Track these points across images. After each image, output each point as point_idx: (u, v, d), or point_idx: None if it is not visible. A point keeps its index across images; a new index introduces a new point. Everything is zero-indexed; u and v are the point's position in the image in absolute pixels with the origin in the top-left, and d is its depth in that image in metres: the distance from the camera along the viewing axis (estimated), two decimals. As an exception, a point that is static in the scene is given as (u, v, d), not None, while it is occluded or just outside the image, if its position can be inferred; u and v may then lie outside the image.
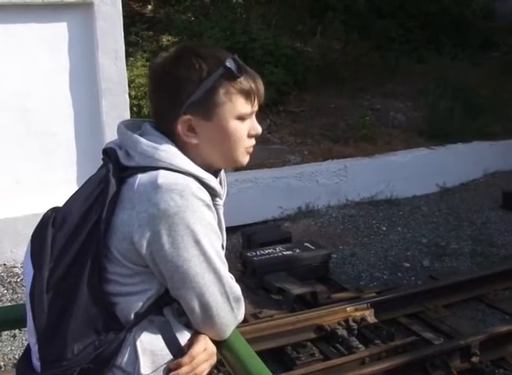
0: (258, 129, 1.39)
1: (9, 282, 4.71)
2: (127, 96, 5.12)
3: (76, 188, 1.39)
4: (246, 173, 6.21)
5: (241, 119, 1.35)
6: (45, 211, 1.37)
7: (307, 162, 6.88)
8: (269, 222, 6.17)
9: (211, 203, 1.29)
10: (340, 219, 6.29)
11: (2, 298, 4.54)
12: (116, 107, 4.97)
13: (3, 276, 4.78)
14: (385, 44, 9.46)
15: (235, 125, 1.34)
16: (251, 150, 1.41)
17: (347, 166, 6.66)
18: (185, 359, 1.28)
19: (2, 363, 3.88)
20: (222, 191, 1.42)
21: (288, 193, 6.32)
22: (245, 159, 1.41)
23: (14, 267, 4.87)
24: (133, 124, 1.41)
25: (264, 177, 6.25)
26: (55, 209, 1.38)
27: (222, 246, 1.39)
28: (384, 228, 6.15)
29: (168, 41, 7.97)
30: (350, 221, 6.25)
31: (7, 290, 4.64)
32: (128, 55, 5.91)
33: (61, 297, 1.26)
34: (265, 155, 6.86)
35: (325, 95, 8.42)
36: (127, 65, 5.49)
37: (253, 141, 1.40)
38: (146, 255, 1.25)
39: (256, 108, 1.38)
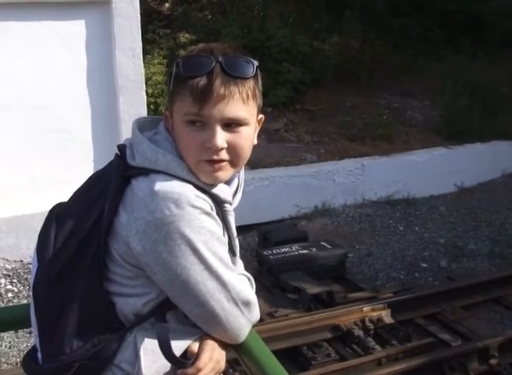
0: (213, 141, 1.21)
1: (26, 278, 4.73)
2: (144, 93, 5.12)
3: None
4: (262, 171, 6.20)
5: (191, 123, 1.23)
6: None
7: (324, 160, 6.88)
8: (285, 220, 6.16)
9: (212, 210, 1.25)
10: (357, 218, 6.27)
11: (19, 294, 4.57)
12: (133, 104, 4.98)
13: (20, 273, 4.80)
14: (403, 43, 9.39)
15: (184, 129, 1.24)
16: (216, 167, 1.25)
17: (364, 164, 6.64)
18: (190, 371, 1.24)
19: (18, 360, 3.90)
20: (235, 195, 1.37)
21: (304, 192, 6.30)
22: (204, 175, 1.25)
23: (30, 264, 4.88)
24: (151, 122, 1.38)
25: (280, 176, 6.23)
26: (59, 205, 1.38)
27: (234, 253, 1.36)
28: (401, 228, 6.12)
29: (186, 38, 7.97)
30: (367, 220, 6.23)
31: (23, 286, 4.66)
32: (145, 52, 5.91)
33: (61, 292, 1.26)
34: (282, 153, 6.87)
35: (341, 94, 8.39)
36: (144, 62, 5.49)
37: (211, 155, 1.23)
38: (143, 262, 1.23)
39: (212, 113, 1.21)
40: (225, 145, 1.24)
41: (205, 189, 1.27)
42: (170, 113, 1.30)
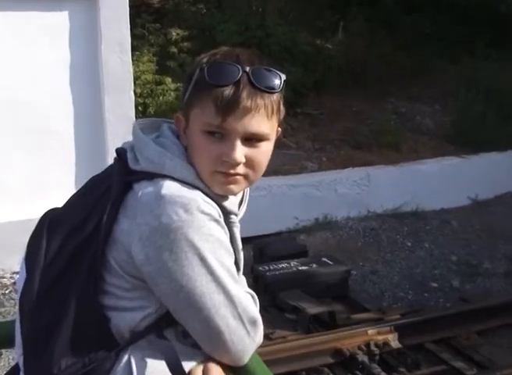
0: (232, 156, 1.26)
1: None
2: (132, 93, 5.10)
3: (74, 190, 1.39)
4: (259, 180, 6.13)
5: (210, 133, 1.27)
6: (40, 215, 1.38)
7: (326, 169, 6.89)
8: (284, 234, 6.14)
9: (220, 218, 1.28)
10: (361, 232, 6.26)
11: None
12: (120, 105, 4.96)
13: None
14: (413, 43, 9.42)
15: (200, 138, 1.28)
16: (231, 180, 1.29)
17: (369, 174, 6.65)
18: None
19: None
20: (239, 207, 1.40)
21: (304, 203, 6.30)
22: (217, 186, 1.29)
23: (2, 278, 4.82)
24: (152, 124, 1.41)
25: (278, 185, 6.24)
26: (52, 211, 1.39)
27: (238, 267, 1.38)
28: (409, 243, 6.11)
29: (178, 34, 7.94)
30: (372, 235, 6.22)
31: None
32: (133, 48, 5.88)
33: (51, 307, 1.26)
34: (280, 161, 6.84)
35: (346, 97, 8.40)
36: (132, 60, 5.46)
37: (227, 168, 1.28)
38: (146, 272, 1.24)
39: (234, 126, 1.25)
40: (244, 160, 1.28)
41: (213, 198, 1.30)
42: (185, 117, 1.33)
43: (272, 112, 1.29)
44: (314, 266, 5.11)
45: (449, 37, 9.68)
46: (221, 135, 1.26)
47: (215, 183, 1.29)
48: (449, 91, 8.44)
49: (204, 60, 1.30)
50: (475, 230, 6.45)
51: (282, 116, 1.35)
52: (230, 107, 1.24)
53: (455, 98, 8.07)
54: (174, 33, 8.04)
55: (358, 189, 6.57)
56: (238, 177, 1.30)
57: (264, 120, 1.28)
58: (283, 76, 1.31)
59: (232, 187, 1.30)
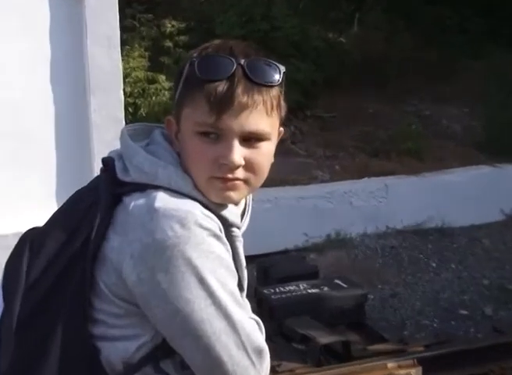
0: (229, 157, 1.27)
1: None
2: (121, 93, 5.10)
3: (55, 205, 1.43)
4: (263, 191, 6.16)
5: (204, 134, 1.28)
6: (15, 231, 1.43)
7: (339, 179, 6.90)
8: (291, 252, 6.15)
9: (221, 233, 1.28)
10: (379, 250, 6.26)
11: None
12: (108, 106, 4.95)
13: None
14: (438, 36, 9.44)
15: (193, 140, 1.29)
16: (229, 185, 1.30)
17: (388, 185, 6.66)
18: None
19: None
20: (243, 218, 1.42)
21: (315, 217, 6.31)
22: (214, 193, 1.30)
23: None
24: (143, 130, 1.43)
25: (286, 197, 6.25)
26: (33, 231, 1.39)
27: (242, 287, 1.38)
28: (434, 264, 6.11)
29: (173, 26, 7.99)
30: (392, 254, 6.22)
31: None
32: (123, 42, 5.90)
33: (33, 338, 1.26)
34: (288, 169, 6.84)
35: (361, 98, 8.45)
36: (122, 55, 5.48)
37: (224, 172, 1.28)
38: (138, 294, 1.24)
39: (230, 125, 1.27)
40: (243, 162, 1.28)
41: (212, 209, 1.30)
42: (176, 119, 1.34)
43: (272, 108, 1.30)
44: (326, 288, 5.11)
45: (473, 31, 9.71)
46: (216, 136, 1.28)
47: (212, 190, 1.29)
48: (478, 90, 8.46)
49: (195, 55, 1.32)
50: (509, 249, 6.45)
51: (283, 113, 1.36)
52: (225, 104, 1.25)
53: (485, 99, 8.07)
54: (169, 25, 8.09)
55: (375, 201, 6.58)
56: (237, 182, 1.30)
57: (263, 117, 1.29)
58: (282, 68, 1.32)
59: (232, 193, 1.30)
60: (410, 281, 5.80)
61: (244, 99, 1.26)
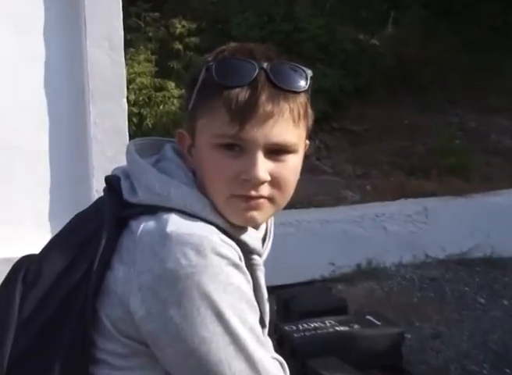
0: (254, 172, 1.27)
1: None
2: (125, 101, 5.12)
3: (49, 229, 1.42)
4: (285, 213, 6.10)
5: (225, 147, 1.29)
6: (4, 256, 1.40)
7: (371, 201, 6.91)
8: (316, 283, 6.17)
9: (240, 262, 1.29)
10: (417, 283, 6.24)
11: None
12: (109, 116, 4.97)
13: None
14: (484, 38, 9.41)
15: (211, 155, 1.30)
16: (253, 204, 1.30)
17: (427, 208, 6.64)
18: None
19: None
20: (263, 244, 1.43)
21: (343, 243, 6.31)
22: (236, 215, 1.31)
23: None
24: (151, 145, 1.44)
25: (310, 220, 6.27)
26: (28, 258, 1.41)
27: (264, 323, 1.40)
28: (482, 300, 6.06)
29: (183, 27, 8.05)
30: (432, 287, 6.19)
31: None
32: (126, 44, 5.94)
33: None
34: (312, 189, 6.86)
35: (397, 108, 8.47)
36: (125, 58, 5.51)
37: (248, 190, 1.29)
38: (147, 331, 1.24)
39: (254, 136, 1.27)
40: (268, 178, 1.29)
41: (232, 234, 1.31)
42: (190, 132, 1.35)
43: (299, 117, 1.31)
44: (356, 326, 5.08)
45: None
46: (239, 148, 1.28)
47: (232, 211, 1.30)
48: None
49: (210, 59, 1.33)
50: None
51: (311, 123, 1.38)
52: (248, 112, 1.26)
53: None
54: (178, 26, 8.15)
55: (413, 227, 6.57)
56: (262, 201, 1.31)
57: (289, 127, 1.30)
58: (309, 72, 1.34)
59: (255, 214, 1.31)
60: (454, 319, 5.75)
61: (269, 107, 1.26)
